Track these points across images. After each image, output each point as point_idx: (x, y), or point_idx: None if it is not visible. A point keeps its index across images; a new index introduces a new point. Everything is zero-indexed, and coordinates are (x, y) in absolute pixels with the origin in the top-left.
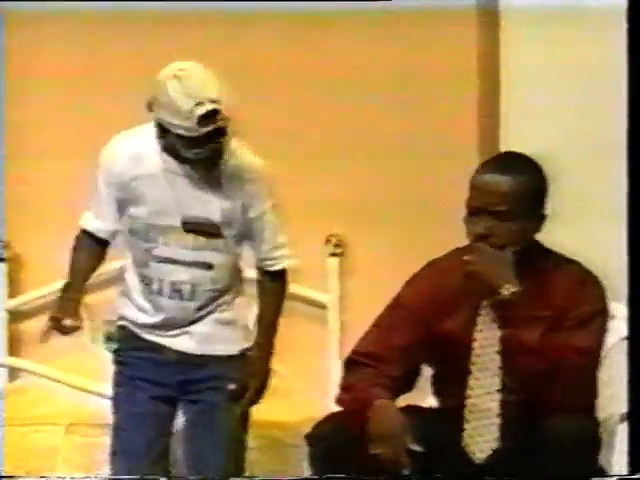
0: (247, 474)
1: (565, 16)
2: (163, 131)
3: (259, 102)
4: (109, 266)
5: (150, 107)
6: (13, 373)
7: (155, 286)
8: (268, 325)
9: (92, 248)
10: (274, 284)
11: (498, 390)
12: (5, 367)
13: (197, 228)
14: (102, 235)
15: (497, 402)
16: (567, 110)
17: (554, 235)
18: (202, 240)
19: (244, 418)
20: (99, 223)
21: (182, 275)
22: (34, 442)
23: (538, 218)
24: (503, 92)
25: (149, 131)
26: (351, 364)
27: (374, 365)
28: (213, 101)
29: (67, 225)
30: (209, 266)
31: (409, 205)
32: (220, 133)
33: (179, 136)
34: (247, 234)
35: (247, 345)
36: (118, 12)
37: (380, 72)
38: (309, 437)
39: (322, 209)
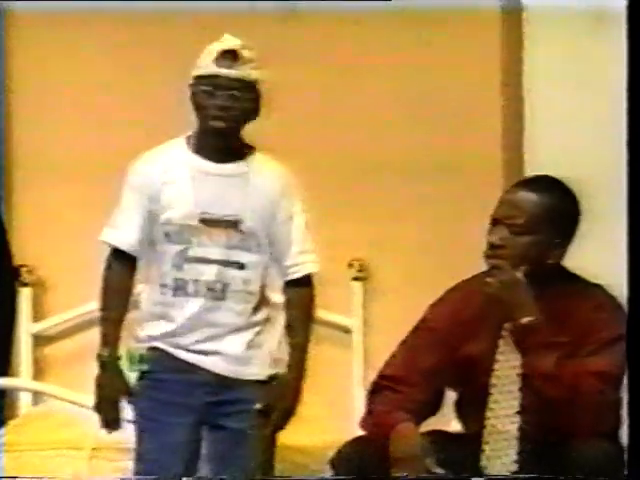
0: None
1: (590, 18)
2: (191, 96)
3: (275, 120)
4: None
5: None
6: (37, 397)
7: (190, 288)
8: (299, 345)
9: (124, 267)
10: (301, 293)
11: (517, 412)
12: (29, 391)
13: (226, 226)
14: (131, 249)
15: (516, 425)
16: (593, 114)
17: (575, 256)
18: (235, 239)
19: (271, 441)
20: (126, 236)
21: (214, 274)
22: (58, 467)
23: (559, 243)
24: (526, 98)
25: (176, 142)
26: (376, 388)
27: (399, 389)
28: (235, 46)
29: (91, 248)
30: (241, 266)
31: (432, 228)
32: (242, 86)
33: (199, 80)
34: (273, 238)
35: (274, 372)
36: (121, 12)
37: (399, 78)
38: (333, 462)
39: (345, 233)
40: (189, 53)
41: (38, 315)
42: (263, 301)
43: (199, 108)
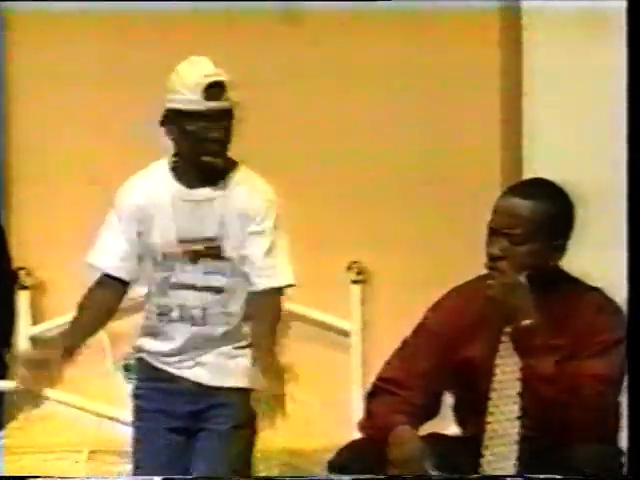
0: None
1: (590, 19)
2: (172, 125)
3: (275, 119)
4: (135, 293)
5: (163, 120)
6: (36, 400)
7: (175, 313)
8: (261, 360)
9: (111, 288)
10: (267, 307)
11: (518, 417)
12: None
13: (204, 252)
14: (120, 274)
15: (516, 429)
16: (592, 116)
17: (575, 261)
18: (211, 264)
19: (250, 442)
20: (115, 261)
21: (195, 300)
22: (57, 469)
23: (558, 245)
24: (525, 99)
25: (159, 166)
26: (374, 391)
27: (397, 392)
28: (219, 77)
29: (89, 252)
30: (219, 290)
31: (431, 232)
32: (227, 115)
33: (186, 114)
34: (244, 253)
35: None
36: (122, 12)
37: (399, 79)
38: (331, 465)
39: (344, 236)
40: (190, 54)
41: (37, 318)
42: (246, 316)
43: (187, 141)
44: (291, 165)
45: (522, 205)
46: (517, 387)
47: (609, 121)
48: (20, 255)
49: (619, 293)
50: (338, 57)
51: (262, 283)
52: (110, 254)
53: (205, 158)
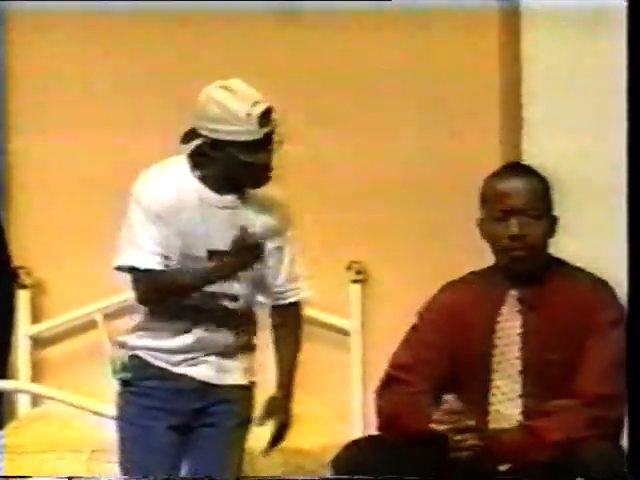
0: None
1: (589, 18)
2: (208, 151)
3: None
4: (128, 294)
5: (186, 138)
6: (36, 400)
7: (187, 317)
8: (287, 367)
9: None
10: (291, 318)
11: (519, 396)
12: (28, 393)
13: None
14: (158, 267)
15: (519, 408)
16: (592, 115)
17: (565, 248)
18: None
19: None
20: (152, 258)
21: (211, 304)
22: (57, 469)
23: (555, 219)
24: (525, 98)
25: (181, 164)
26: (385, 383)
27: (406, 379)
28: (266, 103)
29: (89, 251)
30: (235, 297)
31: (431, 232)
32: (271, 138)
33: (239, 144)
34: (265, 265)
35: (254, 378)
36: (121, 12)
37: (398, 78)
38: (333, 464)
39: (344, 236)
40: (190, 54)
41: (36, 317)
42: (251, 323)
43: (229, 164)
44: (290, 165)
45: (530, 181)
46: (517, 365)
47: (609, 120)
48: (20, 255)
49: (619, 289)
50: (337, 56)
51: (291, 297)
52: (145, 249)
53: (254, 185)
